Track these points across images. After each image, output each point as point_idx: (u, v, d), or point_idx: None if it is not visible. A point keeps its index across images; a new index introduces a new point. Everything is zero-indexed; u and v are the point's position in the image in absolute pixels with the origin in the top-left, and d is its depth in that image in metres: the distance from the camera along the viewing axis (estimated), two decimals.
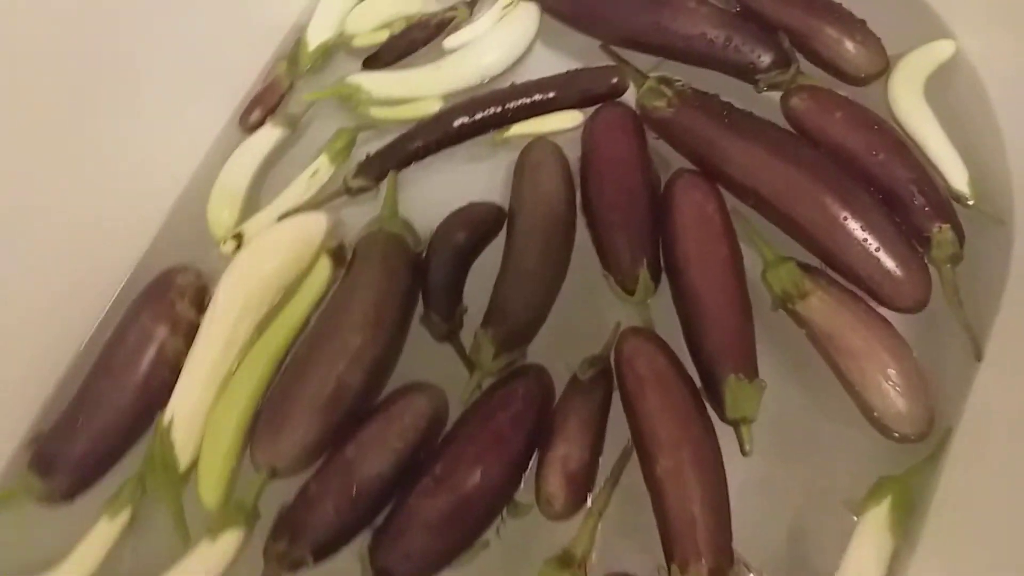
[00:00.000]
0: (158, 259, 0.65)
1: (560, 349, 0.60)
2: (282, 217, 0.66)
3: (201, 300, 0.62)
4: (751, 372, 0.54)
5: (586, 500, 0.54)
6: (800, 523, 0.55)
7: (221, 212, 0.67)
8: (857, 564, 0.50)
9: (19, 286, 0.57)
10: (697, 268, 0.56)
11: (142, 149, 0.65)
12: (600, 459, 0.55)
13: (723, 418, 0.54)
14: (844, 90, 0.65)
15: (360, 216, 0.67)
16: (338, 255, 0.64)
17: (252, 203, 0.68)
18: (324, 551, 0.53)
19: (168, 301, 0.60)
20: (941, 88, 0.67)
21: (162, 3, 0.63)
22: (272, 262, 0.62)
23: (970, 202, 0.61)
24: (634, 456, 0.55)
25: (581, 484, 0.54)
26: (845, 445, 0.56)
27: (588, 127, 0.66)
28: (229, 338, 0.59)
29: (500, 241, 0.64)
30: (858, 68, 0.65)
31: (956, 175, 0.62)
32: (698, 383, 0.56)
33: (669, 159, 0.66)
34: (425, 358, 0.61)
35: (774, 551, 0.54)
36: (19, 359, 0.59)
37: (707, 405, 0.55)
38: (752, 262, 0.60)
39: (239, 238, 0.65)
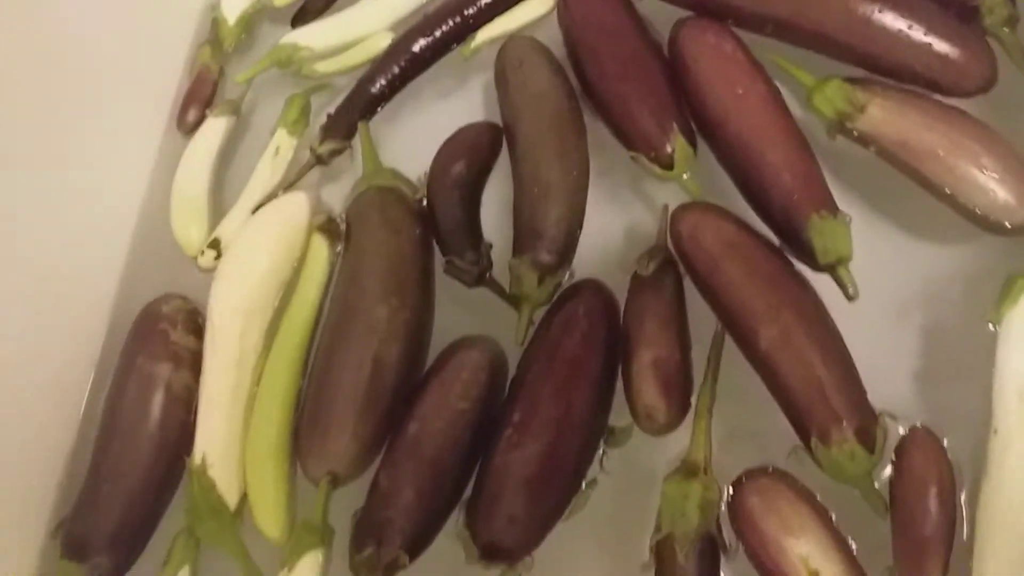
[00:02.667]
0: (134, 296, 0.57)
1: (607, 258, 0.53)
2: (256, 209, 0.59)
3: (195, 324, 0.54)
4: (831, 207, 0.47)
5: (689, 403, 0.47)
6: (926, 360, 0.49)
7: (187, 227, 0.59)
8: (1015, 372, 0.43)
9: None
10: (738, 114, 0.49)
11: (83, 184, 0.57)
12: (690, 355, 0.48)
13: (816, 267, 0.47)
14: None
15: (340, 190, 0.59)
16: (331, 229, 0.56)
17: (218, 206, 0.60)
18: (417, 544, 0.46)
19: (160, 336, 0.53)
20: None
21: (56, 14, 0.55)
22: (261, 260, 0.54)
23: None
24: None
25: (679, 387, 0.47)
26: (951, 263, 0.50)
27: (563, 4, 0.58)
28: (239, 356, 0.52)
29: (503, 164, 0.56)
30: None
31: None
32: (776, 241, 0.49)
33: (660, 28, 0.58)
34: (461, 312, 0.53)
35: (907, 396, 0.48)
36: (20, 444, 0.51)
37: (793, 260, 0.48)
38: (789, 99, 0.52)
39: (216, 246, 0.57)
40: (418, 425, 0.47)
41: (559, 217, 0.51)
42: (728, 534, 0.45)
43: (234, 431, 0.51)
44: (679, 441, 0.47)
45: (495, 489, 0.45)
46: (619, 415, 0.48)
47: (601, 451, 0.48)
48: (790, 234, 0.48)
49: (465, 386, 0.48)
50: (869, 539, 0.44)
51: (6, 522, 0.51)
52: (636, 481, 0.48)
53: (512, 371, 0.50)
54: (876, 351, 0.47)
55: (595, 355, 0.47)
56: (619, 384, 0.49)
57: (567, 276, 0.52)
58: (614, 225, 0.54)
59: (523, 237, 0.52)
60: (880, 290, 0.49)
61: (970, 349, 0.47)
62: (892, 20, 0.49)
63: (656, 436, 0.47)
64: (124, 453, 0.51)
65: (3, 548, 0.50)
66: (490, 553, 0.45)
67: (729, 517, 0.45)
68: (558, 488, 0.46)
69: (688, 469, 0.44)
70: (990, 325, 0.46)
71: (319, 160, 0.59)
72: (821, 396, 0.42)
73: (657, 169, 0.51)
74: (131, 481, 0.50)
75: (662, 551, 0.43)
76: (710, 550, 0.43)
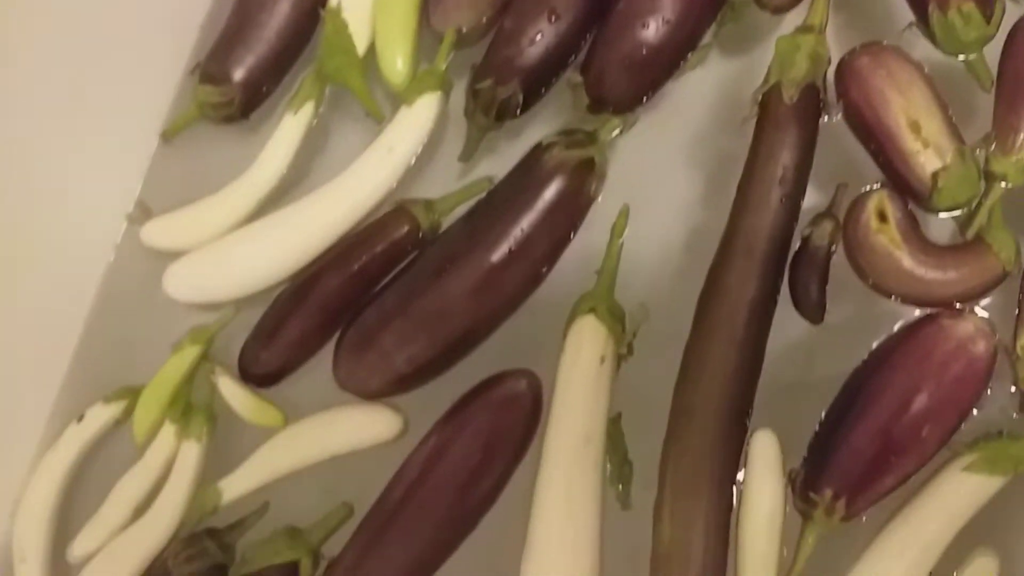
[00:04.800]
0: None
1: None
2: None
3: None
4: None
5: None
6: None
7: None
8: None
9: None
10: None
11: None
12: None
13: None
14: None
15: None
16: None
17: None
18: (533, 89, 0.48)
19: None
20: None
21: None
22: None
23: None
24: None
25: None
26: None
27: None
28: None
29: None
30: None
31: None
32: None
33: None
34: None
35: None
36: None
37: None
38: None
39: None
40: None
41: None
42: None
43: None
44: (795, 22, 0.47)
45: (611, 40, 0.47)
46: None
47: (717, 23, 0.49)
48: None
49: None
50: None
51: None
52: (749, 50, 0.49)
53: None
54: None
55: None
56: None
57: None
58: None
59: None
60: None
61: None
62: None
63: (773, 14, 0.48)
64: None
65: None
66: (599, 103, 0.49)
67: (836, 78, 0.46)
68: (671, 48, 0.48)
69: (803, 28, 0.46)
70: None
71: None
72: None
73: None
74: (273, 19, 0.52)
75: (767, 99, 0.45)
76: (812, 103, 0.45)
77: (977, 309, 0.45)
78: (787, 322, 0.46)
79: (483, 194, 0.50)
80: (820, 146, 0.47)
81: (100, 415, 0.53)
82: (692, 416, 0.43)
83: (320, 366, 0.51)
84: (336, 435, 0.49)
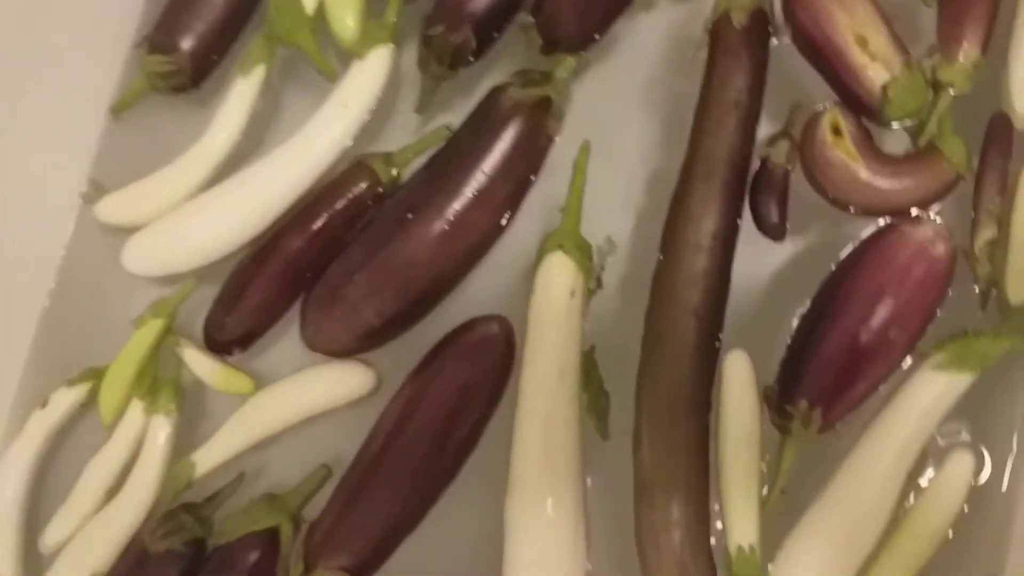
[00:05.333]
0: None
1: None
2: None
3: None
4: None
5: None
6: None
7: None
8: None
9: None
10: None
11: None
12: None
13: None
14: None
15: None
16: None
17: None
18: (486, 31, 0.48)
19: None
20: None
21: None
22: None
23: None
24: None
25: None
26: None
27: None
28: None
29: None
30: None
31: None
32: None
33: None
34: None
35: None
36: None
37: None
38: None
39: None
40: None
41: None
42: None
43: None
44: None
45: None
46: None
47: None
48: None
49: None
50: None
51: None
52: None
53: None
54: None
55: None
56: None
57: None
58: None
59: None
60: None
61: None
62: None
63: None
64: None
65: None
66: (551, 44, 0.48)
67: (782, 1, 0.46)
68: None
69: None
70: None
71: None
72: None
73: None
74: None
75: (717, 27, 0.46)
76: (762, 26, 0.46)
77: (933, 216, 0.46)
78: (752, 245, 0.46)
79: (442, 143, 0.49)
80: (771, 70, 0.47)
81: (65, 399, 0.51)
82: (664, 343, 0.43)
83: (287, 333, 0.50)
84: (309, 395, 0.48)
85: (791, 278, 0.46)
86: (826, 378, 0.41)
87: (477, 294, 0.49)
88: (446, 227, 0.46)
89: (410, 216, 0.46)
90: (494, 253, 0.50)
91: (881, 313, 0.41)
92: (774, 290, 0.47)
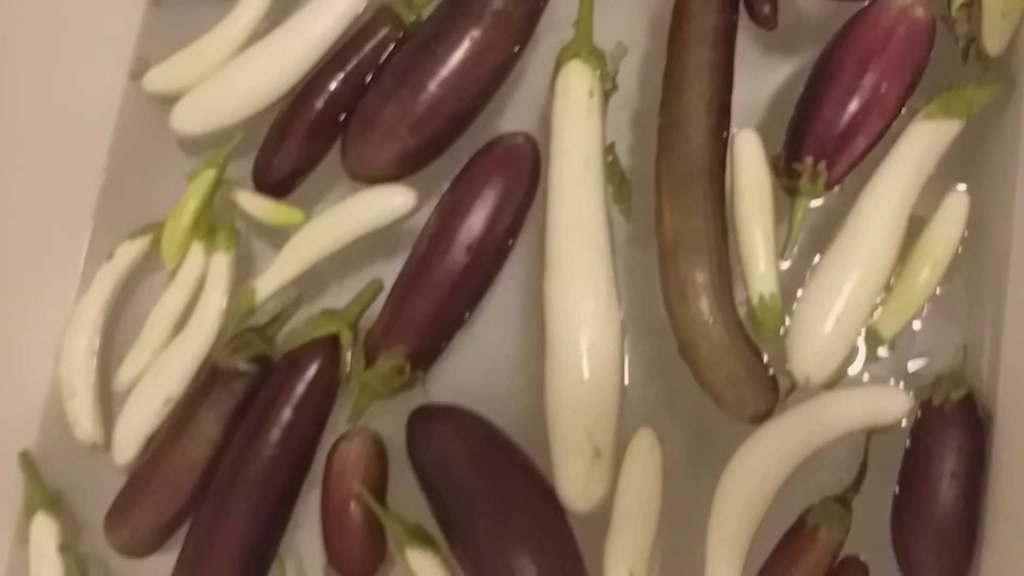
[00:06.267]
0: None
1: None
2: None
3: None
4: None
5: None
6: None
7: None
8: None
9: None
10: None
11: None
12: None
13: None
14: None
15: None
16: None
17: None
18: None
19: None
20: None
21: None
22: None
23: None
24: None
25: None
26: None
27: None
28: None
29: None
30: None
31: None
32: None
33: None
34: None
35: None
36: None
37: None
38: None
39: None
40: None
41: None
42: None
43: None
44: None
45: None
46: None
47: None
48: None
49: None
50: None
51: None
52: None
53: None
54: None
55: None
56: None
57: None
58: None
59: None
60: None
61: None
62: None
63: None
64: None
65: None
66: None
67: None
68: None
69: None
70: None
71: None
72: None
73: None
74: None
75: None
76: None
77: None
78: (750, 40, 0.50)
79: None
80: None
81: (129, 250, 0.56)
82: (679, 126, 0.47)
83: (330, 174, 0.54)
84: (356, 217, 0.52)
85: (791, 63, 0.50)
86: (829, 134, 0.45)
87: (504, 125, 0.53)
88: (469, 46, 0.50)
89: (434, 40, 0.51)
90: (517, 85, 0.54)
91: (872, 70, 0.45)
92: (775, 77, 0.51)
